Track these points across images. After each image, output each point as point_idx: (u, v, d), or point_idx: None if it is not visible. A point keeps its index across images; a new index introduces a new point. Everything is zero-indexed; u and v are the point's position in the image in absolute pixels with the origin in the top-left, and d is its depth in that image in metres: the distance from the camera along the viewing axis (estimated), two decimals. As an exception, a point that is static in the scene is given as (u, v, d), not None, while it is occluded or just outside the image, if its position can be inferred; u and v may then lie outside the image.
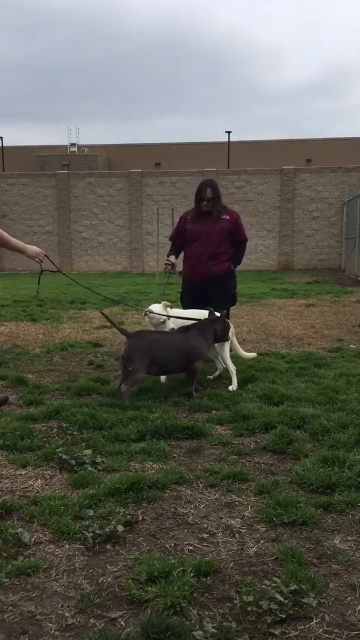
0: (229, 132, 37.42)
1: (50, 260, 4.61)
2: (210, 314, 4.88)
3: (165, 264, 5.75)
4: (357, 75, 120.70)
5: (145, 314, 5.05)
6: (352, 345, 6.77)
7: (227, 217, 5.65)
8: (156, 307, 5.03)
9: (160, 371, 4.74)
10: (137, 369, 4.45)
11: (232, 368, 5.02)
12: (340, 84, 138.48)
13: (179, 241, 5.80)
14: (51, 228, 23.30)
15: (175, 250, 5.80)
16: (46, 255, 4.48)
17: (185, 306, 5.73)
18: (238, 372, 5.23)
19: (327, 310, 9.81)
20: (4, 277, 18.97)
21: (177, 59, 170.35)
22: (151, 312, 4.98)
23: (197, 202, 5.69)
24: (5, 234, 4.29)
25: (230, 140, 37.45)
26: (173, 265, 5.66)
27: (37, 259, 4.38)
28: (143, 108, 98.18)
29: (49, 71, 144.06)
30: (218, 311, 4.92)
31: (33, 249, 4.39)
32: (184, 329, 4.79)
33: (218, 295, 5.51)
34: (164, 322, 4.94)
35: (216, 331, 4.79)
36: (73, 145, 38.60)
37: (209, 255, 5.55)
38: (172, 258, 5.70)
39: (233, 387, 4.90)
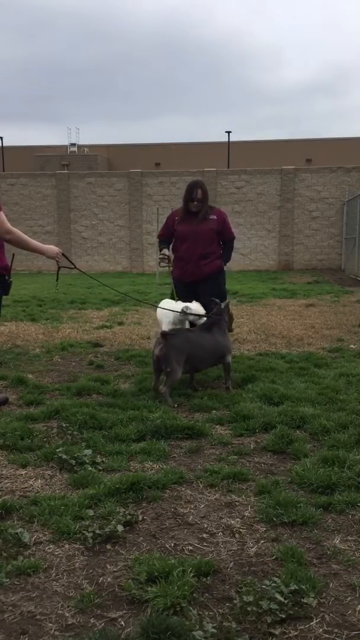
0: (229, 132, 37.43)
1: (67, 259, 4.71)
2: (217, 306, 5.01)
3: (161, 257, 5.74)
4: (357, 75, 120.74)
5: (183, 312, 5.08)
6: (352, 345, 6.77)
7: (215, 217, 5.68)
8: (194, 306, 5.14)
9: (190, 369, 4.82)
10: (175, 369, 4.51)
11: None
12: (340, 84, 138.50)
13: (167, 238, 5.80)
14: (51, 228, 23.31)
15: (166, 244, 5.78)
16: (64, 254, 4.61)
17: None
18: (238, 372, 5.24)
19: (327, 310, 9.81)
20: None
21: (177, 59, 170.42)
22: (189, 309, 5.07)
23: (185, 202, 5.69)
24: (25, 236, 4.39)
25: (230, 140, 37.46)
26: (169, 258, 5.66)
27: (56, 259, 4.52)
28: (143, 108, 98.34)
29: (49, 71, 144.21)
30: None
31: (52, 249, 4.52)
32: (205, 327, 4.88)
33: (211, 292, 5.54)
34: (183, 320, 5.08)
35: (226, 322, 4.99)
36: (73, 145, 38.60)
37: (199, 255, 5.58)
38: (167, 251, 5.70)
39: None
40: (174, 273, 5.73)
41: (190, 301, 5.35)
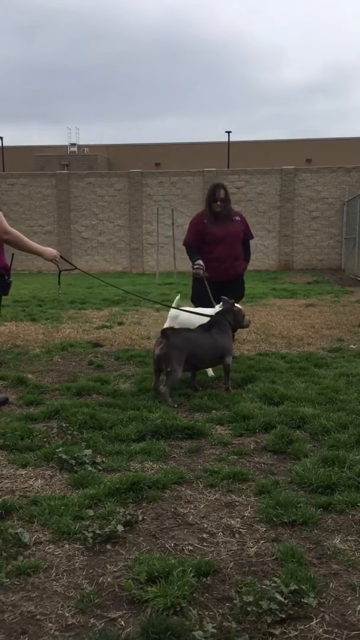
0: (229, 132, 37.44)
1: (67, 261, 4.72)
2: (225, 303, 5.08)
3: (196, 268, 5.70)
4: (357, 75, 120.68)
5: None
6: (352, 345, 6.77)
7: (238, 218, 5.84)
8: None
9: (190, 369, 4.82)
10: (175, 368, 4.51)
11: None
12: (340, 84, 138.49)
13: (197, 244, 5.81)
14: (51, 228, 23.31)
15: (196, 254, 5.78)
16: (62, 257, 4.60)
17: (206, 305, 5.69)
18: (238, 372, 5.24)
19: (327, 310, 9.81)
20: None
21: (178, 58, 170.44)
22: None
23: (208, 203, 5.73)
24: (23, 237, 4.39)
25: (230, 140, 37.46)
26: (204, 268, 5.67)
27: (54, 261, 4.51)
28: (143, 108, 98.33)
29: (49, 71, 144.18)
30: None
31: (50, 251, 4.51)
32: (205, 327, 4.89)
33: (239, 291, 5.88)
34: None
35: (230, 322, 5.00)
36: (73, 145, 38.61)
37: (234, 256, 5.76)
38: (201, 261, 5.70)
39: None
40: (208, 274, 5.70)
41: (215, 300, 5.44)
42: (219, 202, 5.67)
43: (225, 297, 5.14)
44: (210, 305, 5.46)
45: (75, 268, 4.94)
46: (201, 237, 5.76)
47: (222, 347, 4.80)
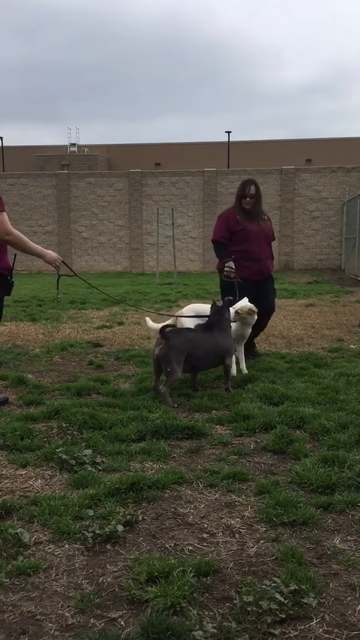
0: (229, 132, 37.44)
1: (67, 266, 4.74)
2: (213, 305, 5.03)
3: (227, 271, 5.57)
4: (357, 75, 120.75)
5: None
6: (352, 345, 6.77)
7: (266, 217, 5.83)
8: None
9: (190, 369, 4.81)
10: (175, 369, 4.50)
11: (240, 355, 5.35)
12: (340, 84, 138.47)
13: (226, 241, 5.70)
14: (51, 228, 23.31)
15: (226, 253, 5.65)
16: (63, 262, 4.60)
17: None
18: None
19: (327, 310, 9.81)
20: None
21: (177, 58, 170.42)
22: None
23: (238, 200, 5.58)
24: (25, 239, 4.37)
25: (230, 140, 37.46)
26: (235, 270, 5.55)
27: (54, 265, 4.49)
28: (143, 108, 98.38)
29: (49, 71, 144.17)
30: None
31: (51, 254, 4.50)
32: (205, 327, 4.88)
33: (272, 288, 5.93)
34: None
35: (228, 321, 5.00)
36: (73, 145, 38.62)
37: (269, 254, 5.75)
38: (232, 263, 5.56)
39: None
40: (240, 274, 5.57)
41: (254, 302, 5.42)
42: (248, 199, 5.50)
43: (230, 297, 5.08)
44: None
45: (75, 275, 4.94)
46: (230, 233, 5.60)
47: (223, 348, 4.76)
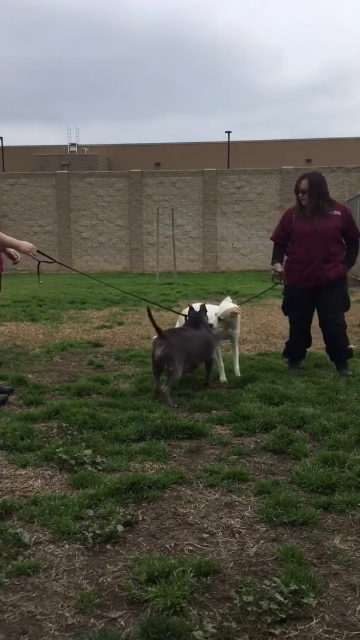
0: (229, 132, 37.44)
1: (43, 254, 4.80)
2: (190, 309, 5.04)
3: (274, 275, 5.32)
4: (357, 75, 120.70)
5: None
6: (352, 345, 6.76)
7: (338, 213, 5.10)
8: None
9: (190, 368, 4.82)
10: (177, 368, 4.52)
11: (221, 364, 5.24)
12: (340, 84, 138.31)
13: (282, 241, 5.35)
14: (51, 228, 23.31)
15: (278, 255, 5.33)
16: (39, 251, 4.68)
17: (293, 315, 5.38)
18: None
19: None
20: (3, 277, 18.81)
21: (177, 58, 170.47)
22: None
23: (296, 196, 5.21)
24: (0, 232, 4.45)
25: (230, 140, 37.46)
26: (281, 274, 5.27)
27: (30, 254, 4.58)
28: (143, 108, 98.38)
29: (48, 71, 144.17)
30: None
31: (26, 244, 4.57)
32: (193, 325, 4.90)
33: (335, 301, 5.13)
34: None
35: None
36: (73, 145, 38.58)
37: (322, 257, 5.02)
38: (279, 266, 5.26)
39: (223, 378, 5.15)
40: (290, 278, 5.27)
41: (307, 310, 5.20)
42: (301, 194, 5.04)
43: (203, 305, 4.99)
44: (304, 317, 5.18)
45: (54, 261, 5.06)
46: (286, 233, 5.23)
47: (213, 343, 4.89)
